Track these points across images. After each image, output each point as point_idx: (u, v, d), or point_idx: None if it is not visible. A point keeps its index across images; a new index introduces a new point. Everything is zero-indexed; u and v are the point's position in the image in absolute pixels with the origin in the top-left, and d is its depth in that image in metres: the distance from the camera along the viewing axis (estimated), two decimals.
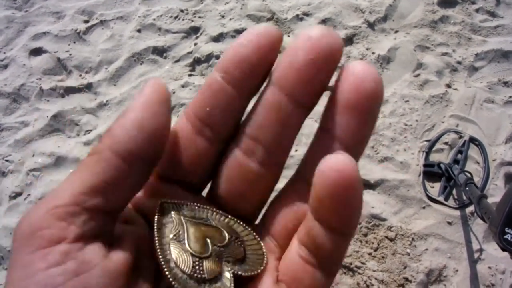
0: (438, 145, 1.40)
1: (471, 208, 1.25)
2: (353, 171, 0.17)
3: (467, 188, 1.02)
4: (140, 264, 0.20)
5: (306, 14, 1.79)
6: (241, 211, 0.23)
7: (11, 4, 1.99)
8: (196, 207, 0.22)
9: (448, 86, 1.56)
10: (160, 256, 0.19)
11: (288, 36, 1.72)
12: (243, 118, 0.22)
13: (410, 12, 1.77)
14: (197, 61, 1.69)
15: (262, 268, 0.21)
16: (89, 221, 0.18)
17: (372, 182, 1.33)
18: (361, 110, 0.19)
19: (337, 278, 1.16)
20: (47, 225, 0.17)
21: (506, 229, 0.64)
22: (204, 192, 0.25)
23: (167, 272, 0.19)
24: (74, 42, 1.83)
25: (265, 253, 0.22)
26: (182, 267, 0.19)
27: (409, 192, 1.31)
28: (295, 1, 1.82)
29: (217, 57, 1.67)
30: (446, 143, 1.40)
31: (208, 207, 0.22)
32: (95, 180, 0.18)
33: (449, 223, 1.25)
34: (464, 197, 1.23)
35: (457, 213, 1.26)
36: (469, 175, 1.13)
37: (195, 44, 1.74)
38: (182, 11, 1.86)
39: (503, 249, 0.68)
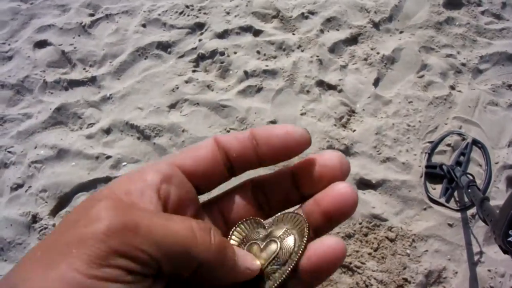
0: (440, 147, 1.40)
1: (472, 211, 1.25)
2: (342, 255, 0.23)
3: (469, 190, 1.02)
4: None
5: (311, 13, 1.79)
6: None
7: None
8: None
9: (452, 88, 1.55)
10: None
11: (293, 34, 1.72)
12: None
13: (416, 13, 1.77)
14: (201, 57, 1.69)
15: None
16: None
17: (373, 182, 1.32)
18: (333, 221, 0.25)
19: (336, 277, 1.16)
20: None
21: (510, 232, 0.64)
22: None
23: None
24: (79, 35, 1.83)
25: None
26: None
27: (411, 193, 1.31)
28: None
29: (221, 53, 1.67)
30: (448, 145, 1.40)
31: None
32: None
33: (450, 225, 1.25)
34: (466, 199, 1.23)
35: (458, 215, 1.26)
36: (471, 177, 1.13)
37: (200, 40, 1.74)
38: (187, 6, 1.86)
39: (505, 252, 0.68)
